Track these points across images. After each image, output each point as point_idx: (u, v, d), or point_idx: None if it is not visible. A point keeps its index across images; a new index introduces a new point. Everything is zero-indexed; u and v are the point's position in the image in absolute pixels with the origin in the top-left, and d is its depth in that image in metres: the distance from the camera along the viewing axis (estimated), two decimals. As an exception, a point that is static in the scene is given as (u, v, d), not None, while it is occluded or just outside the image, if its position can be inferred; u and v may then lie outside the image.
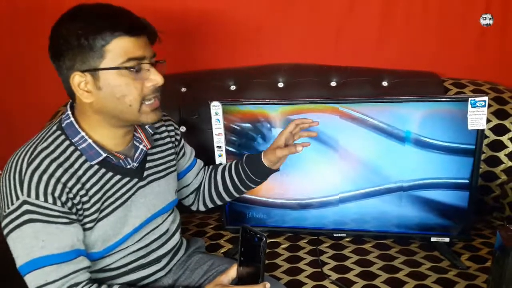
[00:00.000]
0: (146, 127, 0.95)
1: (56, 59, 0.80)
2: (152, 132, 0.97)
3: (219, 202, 1.18)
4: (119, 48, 0.78)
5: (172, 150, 1.05)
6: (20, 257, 0.78)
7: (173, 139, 1.06)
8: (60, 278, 0.78)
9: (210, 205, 1.19)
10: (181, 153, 1.11)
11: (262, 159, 1.07)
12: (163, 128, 1.04)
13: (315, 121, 1.07)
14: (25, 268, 0.78)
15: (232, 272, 0.81)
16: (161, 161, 1.00)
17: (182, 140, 1.12)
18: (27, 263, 0.77)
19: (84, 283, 0.80)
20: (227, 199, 1.16)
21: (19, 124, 1.70)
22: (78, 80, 0.80)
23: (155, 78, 0.83)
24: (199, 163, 1.18)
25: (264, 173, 1.10)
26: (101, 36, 0.77)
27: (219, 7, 1.58)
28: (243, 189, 1.13)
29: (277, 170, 1.11)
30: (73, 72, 0.79)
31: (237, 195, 1.16)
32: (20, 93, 1.72)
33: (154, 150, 0.98)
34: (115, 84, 0.80)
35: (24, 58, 1.67)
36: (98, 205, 0.85)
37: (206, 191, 1.17)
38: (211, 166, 1.20)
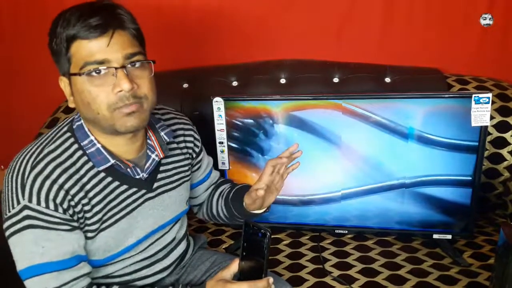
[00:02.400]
0: (162, 134, 0.90)
1: None
2: (168, 140, 0.91)
3: (214, 221, 1.12)
4: (78, 52, 0.73)
5: (188, 161, 0.99)
6: (20, 262, 0.77)
7: (190, 150, 1.00)
8: (60, 286, 0.77)
9: (210, 221, 1.14)
10: (197, 166, 1.05)
11: (245, 199, 0.96)
12: (181, 138, 0.98)
13: (293, 148, 0.92)
14: (25, 273, 0.76)
15: (234, 267, 0.80)
16: (175, 171, 0.95)
17: (202, 153, 1.06)
18: (27, 269, 0.76)
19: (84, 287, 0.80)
20: (220, 222, 1.10)
21: (20, 120, 1.70)
22: (63, 85, 0.79)
23: (118, 83, 0.74)
24: (212, 178, 1.11)
25: (248, 215, 0.98)
26: (61, 41, 0.73)
27: (221, 3, 1.57)
28: (236, 220, 1.04)
29: (265, 211, 0.99)
30: (60, 75, 0.79)
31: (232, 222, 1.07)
32: (21, 89, 1.71)
33: (168, 160, 0.93)
34: (80, 90, 0.75)
35: (25, 53, 1.66)
36: (100, 215, 0.82)
37: (204, 209, 1.12)
38: (217, 182, 1.13)
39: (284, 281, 1.00)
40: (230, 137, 1.27)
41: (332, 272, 1.15)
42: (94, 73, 0.73)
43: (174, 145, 0.96)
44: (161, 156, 0.89)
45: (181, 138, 0.98)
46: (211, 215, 1.10)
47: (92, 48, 0.73)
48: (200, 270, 1.04)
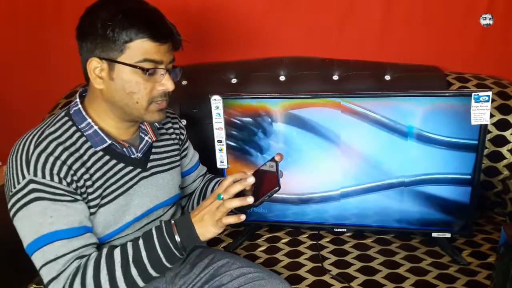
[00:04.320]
0: None
1: (79, 40, 0.83)
2: (158, 126, 1.01)
3: None
4: (139, 48, 0.80)
5: (177, 147, 1.06)
6: (29, 235, 0.79)
7: (177, 136, 1.08)
8: (70, 252, 0.79)
9: None
10: (184, 153, 1.12)
11: None
12: (169, 125, 1.06)
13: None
14: (33, 246, 0.78)
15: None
16: (166, 154, 1.02)
17: (188, 142, 1.14)
18: (36, 240, 0.78)
19: (91, 255, 0.81)
20: None
21: (19, 116, 1.69)
22: (94, 66, 0.82)
23: (166, 83, 0.85)
24: (200, 170, 1.18)
25: None
26: (126, 33, 0.79)
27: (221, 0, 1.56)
28: None
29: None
30: (92, 56, 0.82)
31: None
32: (20, 85, 1.71)
33: (159, 144, 1.01)
34: (127, 79, 0.82)
35: (24, 50, 1.66)
36: (100, 191, 0.86)
37: (196, 199, 1.16)
38: (209, 176, 1.20)
39: (282, 279, 1.00)
40: (228, 135, 1.27)
41: (331, 271, 1.15)
42: (148, 71, 0.82)
43: (163, 131, 1.04)
44: (154, 138, 0.97)
45: (169, 125, 1.07)
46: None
47: (155, 49, 0.81)
48: (199, 267, 1.05)
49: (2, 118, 1.72)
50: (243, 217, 0.79)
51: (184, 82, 1.52)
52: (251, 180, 0.82)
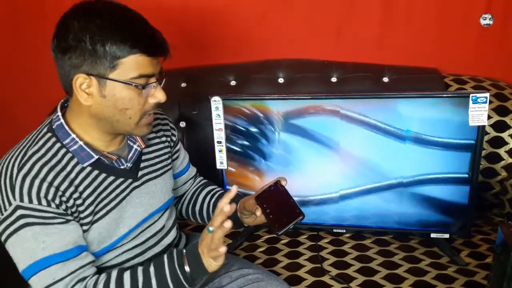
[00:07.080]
0: None
1: (61, 53, 0.76)
2: None
3: (191, 219, 1.16)
4: (134, 63, 0.76)
5: (168, 150, 1.02)
6: (23, 261, 0.77)
7: (168, 139, 1.03)
8: (68, 275, 0.77)
9: (185, 217, 1.17)
10: (176, 155, 1.09)
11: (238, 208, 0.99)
12: (159, 127, 1.02)
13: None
14: (29, 271, 0.76)
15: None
16: (157, 160, 0.98)
17: (179, 144, 1.10)
18: (31, 266, 0.76)
19: (91, 276, 0.81)
20: (198, 220, 1.14)
21: (18, 118, 1.69)
22: (81, 82, 0.77)
23: (159, 96, 0.82)
24: (190, 172, 1.15)
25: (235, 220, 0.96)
26: (119, 48, 0.74)
27: (220, 2, 1.56)
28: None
29: (247, 225, 1.00)
30: (78, 72, 0.76)
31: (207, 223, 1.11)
32: (19, 88, 1.71)
33: (149, 149, 0.97)
34: (120, 96, 0.78)
35: (23, 52, 1.66)
36: (92, 208, 0.83)
37: (185, 203, 1.15)
38: (201, 181, 1.17)
39: (282, 281, 1.00)
40: (228, 136, 1.27)
41: (330, 271, 1.15)
42: (142, 86, 0.79)
43: (153, 135, 0.99)
44: (143, 146, 0.93)
45: (159, 127, 1.02)
46: (191, 211, 1.13)
47: (148, 62, 0.78)
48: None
49: (1, 120, 1.72)
50: (223, 249, 0.78)
51: (183, 84, 1.53)
52: (227, 208, 0.77)
